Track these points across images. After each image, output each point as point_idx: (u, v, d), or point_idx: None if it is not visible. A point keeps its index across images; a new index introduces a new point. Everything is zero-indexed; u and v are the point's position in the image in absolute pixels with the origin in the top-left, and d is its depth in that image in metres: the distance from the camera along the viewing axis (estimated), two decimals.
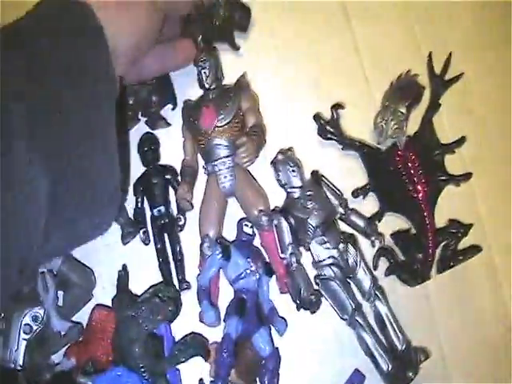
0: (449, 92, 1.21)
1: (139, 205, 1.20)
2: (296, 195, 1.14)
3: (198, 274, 1.12)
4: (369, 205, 1.19)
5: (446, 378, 1.14)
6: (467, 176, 1.18)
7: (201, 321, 1.10)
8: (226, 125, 1.14)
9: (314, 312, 1.12)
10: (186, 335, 1.11)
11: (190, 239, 1.18)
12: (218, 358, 1.06)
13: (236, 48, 1.23)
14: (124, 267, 1.14)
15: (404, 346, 1.13)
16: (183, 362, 1.07)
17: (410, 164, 1.17)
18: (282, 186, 1.16)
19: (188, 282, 1.16)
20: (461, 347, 1.15)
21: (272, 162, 1.15)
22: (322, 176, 1.16)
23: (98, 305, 1.15)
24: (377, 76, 1.23)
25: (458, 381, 1.13)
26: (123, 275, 1.12)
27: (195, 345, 1.08)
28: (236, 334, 1.07)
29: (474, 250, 1.18)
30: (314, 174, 1.16)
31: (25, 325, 1.10)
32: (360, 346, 1.14)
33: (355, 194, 1.18)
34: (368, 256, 1.16)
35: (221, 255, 1.09)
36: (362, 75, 1.25)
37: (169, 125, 1.22)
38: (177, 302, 1.10)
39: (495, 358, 1.15)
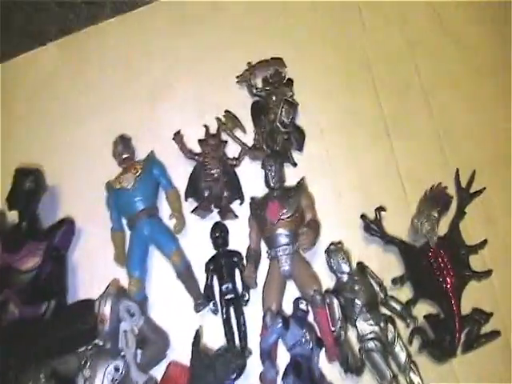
0: (473, 202, 1.44)
1: (209, 281, 1.41)
2: (345, 279, 1.37)
3: (261, 340, 1.31)
4: (405, 291, 1.40)
5: None
6: (488, 273, 1.40)
7: (261, 380, 1.29)
8: (288, 218, 1.39)
9: (359, 375, 1.31)
10: None
11: (252, 313, 1.39)
12: None
13: (294, 165, 1.50)
14: (199, 328, 1.34)
15: None
16: None
17: (440, 259, 1.38)
18: (333, 271, 1.38)
19: (249, 349, 1.36)
20: None
21: (326, 251, 1.39)
22: (366, 266, 1.38)
23: (172, 361, 1.35)
24: (411, 185, 1.48)
25: None
26: (199, 334, 1.32)
27: None
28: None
29: (495, 334, 1.37)
30: (360, 264, 1.39)
31: (108, 374, 1.28)
32: None
33: (394, 282, 1.40)
34: (403, 335, 1.36)
35: (281, 325, 1.30)
36: (400, 184, 1.49)
37: (236, 217, 1.46)
38: (244, 358, 1.29)
39: None
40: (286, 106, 1.50)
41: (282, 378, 1.31)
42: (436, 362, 1.37)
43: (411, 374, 1.33)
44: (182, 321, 1.41)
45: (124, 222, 1.52)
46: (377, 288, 1.37)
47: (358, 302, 1.35)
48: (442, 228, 1.43)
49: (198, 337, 1.34)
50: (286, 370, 1.31)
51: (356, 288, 1.35)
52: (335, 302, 1.35)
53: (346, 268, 1.37)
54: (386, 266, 1.43)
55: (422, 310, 1.40)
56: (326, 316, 1.35)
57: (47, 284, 1.43)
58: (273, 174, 1.44)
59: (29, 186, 1.48)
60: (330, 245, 1.39)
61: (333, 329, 1.34)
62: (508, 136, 1.53)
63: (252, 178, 1.52)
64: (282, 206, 1.40)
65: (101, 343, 1.34)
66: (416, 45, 1.62)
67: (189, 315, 1.42)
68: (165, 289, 1.47)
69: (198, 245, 1.47)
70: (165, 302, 1.45)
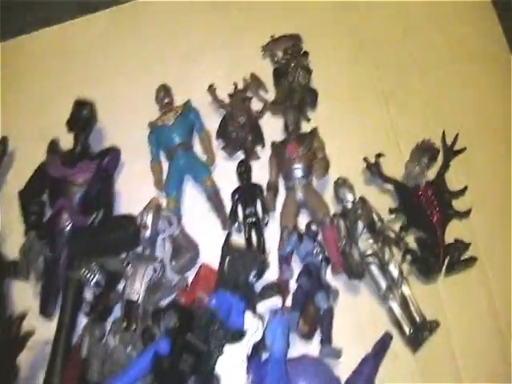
0: (456, 159, 1.75)
1: (234, 207, 1.68)
2: (349, 206, 1.64)
3: (279, 250, 1.60)
4: (398, 224, 1.68)
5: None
6: (467, 213, 1.68)
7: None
8: (303, 154, 1.68)
9: (360, 280, 1.59)
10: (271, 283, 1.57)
11: (270, 234, 1.67)
12: (294, 298, 1.53)
13: (308, 120, 1.81)
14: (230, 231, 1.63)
15: (421, 319, 1.56)
16: (270, 298, 1.52)
17: (428, 198, 1.66)
18: (340, 200, 1.66)
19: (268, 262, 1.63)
20: (463, 319, 1.61)
21: (334, 183, 1.67)
22: (367, 200, 1.66)
23: (204, 263, 1.61)
24: (405, 143, 1.78)
25: None
26: (230, 235, 1.63)
27: (276, 289, 1.54)
28: (305, 287, 1.53)
29: (473, 260, 1.63)
30: (361, 197, 1.67)
31: (147, 274, 1.53)
32: (389, 317, 1.59)
33: (391, 211, 1.67)
34: (397, 257, 1.62)
35: (296, 238, 1.58)
36: (396, 141, 1.81)
37: (258, 158, 1.76)
38: (265, 259, 1.59)
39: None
40: (303, 71, 1.80)
41: (296, 280, 1.57)
42: (423, 281, 1.64)
43: (403, 287, 1.59)
44: (210, 237, 1.67)
45: (162, 156, 1.79)
46: (375, 217, 1.63)
47: (360, 224, 1.61)
48: (430, 177, 1.70)
49: (228, 237, 1.60)
50: (299, 274, 1.57)
51: (359, 212, 1.62)
52: (341, 222, 1.62)
53: (350, 197, 1.64)
54: (382, 202, 1.70)
55: (411, 240, 1.67)
56: (333, 235, 1.61)
57: (96, 198, 1.68)
58: (291, 122, 1.73)
59: (85, 113, 1.75)
60: (338, 179, 1.66)
61: (339, 244, 1.60)
62: (490, 105, 1.85)
63: (272, 130, 1.81)
64: (299, 145, 1.69)
65: (140, 251, 1.60)
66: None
67: (216, 233, 1.68)
68: (196, 211, 1.73)
69: (225, 179, 1.74)
70: (196, 221, 1.70)
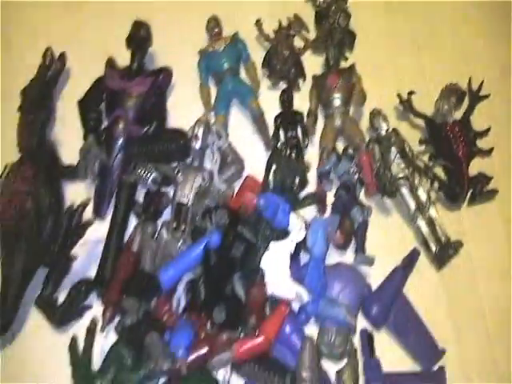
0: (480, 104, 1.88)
1: (276, 130, 1.80)
2: (383, 134, 1.78)
3: (318, 167, 1.74)
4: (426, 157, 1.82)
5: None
6: (490, 151, 1.82)
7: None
8: (342, 86, 1.82)
9: (392, 198, 1.73)
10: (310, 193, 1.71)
11: (310, 156, 1.80)
12: (333, 206, 1.70)
13: (346, 59, 1.95)
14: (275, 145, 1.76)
15: (446, 239, 1.70)
16: (310, 205, 1.67)
17: (455, 134, 1.80)
18: (375, 128, 1.79)
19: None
20: (482, 245, 1.78)
21: (370, 113, 1.80)
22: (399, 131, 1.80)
23: (249, 175, 1.73)
24: (435, 85, 1.92)
25: None
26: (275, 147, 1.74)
27: (316, 198, 1.68)
28: (343, 199, 1.68)
29: (494, 192, 1.78)
30: (394, 129, 1.80)
31: (196, 182, 1.66)
32: (416, 235, 1.73)
33: (420, 142, 1.81)
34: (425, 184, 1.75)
35: (335, 158, 1.71)
36: (426, 84, 1.95)
37: (299, 89, 1.89)
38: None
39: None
40: (343, 14, 1.93)
41: (334, 195, 1.71)
42: (448, 207, 1.79)
43: (430, 210, 1.72)
44: (254, 158, 1.80)
45: (210, 82, 1.91)
46: (406, 147, 1.77)
47: (393, 150, 1.75)
48: (456, 117, 1.84)
49: (275, 148, 1.76)
50: (337, 188, 1.72)
51: (392, 140, 1.75)
52: (376, 147, 1.76)
53: (385, 126, 1.77)
54: (413, 136, 1.84)
55: (439, 172, 1.80)
56: (368, 159, 1.74)
57: (150, 111, 1.81)
58: (332, 56, 1.87)
59: (142, 33, 1.87)
60: (374, 109, 1.80)
61: (374, 166, 1.74)
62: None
63: (312, 67, 1.95)
64: (339, 77, 1.83)
65: (190, 162, 1.73)
66: None
67: (259, 154, 1.83)
68: (242, 132, 1.87)
69: (268, 107, 1.87)
70: (241, 141, 1.82)
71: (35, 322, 1.60)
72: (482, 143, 1.82)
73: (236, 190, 1.70)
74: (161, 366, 1.41)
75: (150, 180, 1.63)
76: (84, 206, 1.61)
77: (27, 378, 1.55)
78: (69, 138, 1.82)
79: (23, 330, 1.60)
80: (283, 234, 1.58)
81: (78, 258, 1.64)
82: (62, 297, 1.58)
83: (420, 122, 1.87)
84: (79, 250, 1.63)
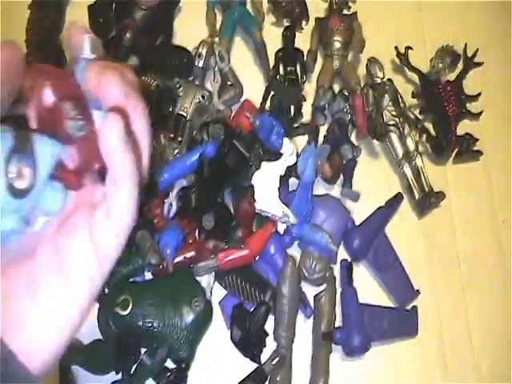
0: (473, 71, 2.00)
1: (277, 64, 1.90)
2: (378, 81, 1.89)
3: (313, 104, 1.84)
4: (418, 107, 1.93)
5: None
6: (479, 114, 1.93)
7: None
8: (343, 30, 1.93)
9: (382, 140, 1.83)
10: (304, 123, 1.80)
11: (306, 92, 1.89)
12: (325, 138, 1.79)
13: (349, 8, 2.05)
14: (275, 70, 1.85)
15: (429, 189, 1.81)
16: (302, 135, 1.78)
17: (447, 92, 1.91)
18: (370, 75, 1.90)
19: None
20: (464, 203, 1.91)
21: (368, 59, 1.91)
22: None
23: (247, 99, 1.82)
24: (432, 46, 2.02)
25: None
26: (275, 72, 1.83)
27: (309, 128, 1.79)
28: (335, 133, 1.78)
29: (479, 153, 1.90)
30: (389, 79, 1.90)
31: (195, 99, 1.75)
32: (401, 181, 1.85)
33: (413, 95, 1.93)
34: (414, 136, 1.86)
35: (331, 94, 1.82)
36: (422, 40, 2.07)
37: (302, 29, 2.00)
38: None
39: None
40: None
41: (327, 130, 1.82)
42: (434, 160, 1.90)
43: (417, 160, 1.83)
44: (253, 86, 1.89)
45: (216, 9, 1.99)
46: (399, 97, 1.88)
47: (386, 97, 1.85)
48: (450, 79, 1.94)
49: (275, 72, 1.85)
50: (330, 123, 1.82)
51: (386, 88, 1.86)
52: (370, 91, 1.85)
53: (380, 74, 1.87)
54: (406, 90, 1.95)
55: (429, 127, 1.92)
56: (361, 101, 1.84)
57: (158, 24, 1.88)
58: (335, 2, 1.98)
59: None
60: (371, 57, 1.90)
61: (366, 109, 1.84)
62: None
63: (315, 12, 2.05)
64: (340, 21, 1.93)
65: (191, 80, 1.80)
66: None
67: (258, 83, 1.91)
68: (243, 60, 1.96)
69: (270, 42, 1.96)
70: (242, 69, 1.91)
71: None
72: (471, 107, 1.93)
73: (234, 113, 1.77)
74: (149, 260, 1.46)
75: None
76: None
77: None
78: None
79: None
80: (275, 155, 1.66)
81: None
82: None
83: (414, 76, 1.97)
84: None
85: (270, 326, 1.57)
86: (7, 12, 1.90)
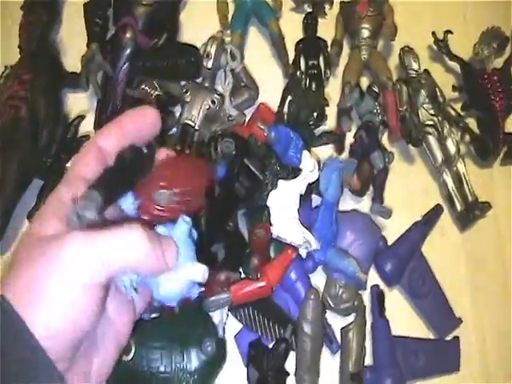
0: None
1: (297, 57, 1.73)
2: (413, 75, 1.71)
3: (339, 104, 1.67)
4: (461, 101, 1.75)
5: None
6: None
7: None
8: (372, 16, 1.74)
9: (418, 146, 1.67)
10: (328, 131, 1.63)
11: (331, 89, 1.73)
12: (352, 149, 1.63)
13: None
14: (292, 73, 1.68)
15: (473, 198, 1.64)
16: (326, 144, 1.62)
17: (494, 83, 1.72)
18: (405, 67, 1.72)
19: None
20: None
21: (401, 49, 1.73)
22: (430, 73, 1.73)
23: (262, 102, 1.66)
24: (475, 26, 1.83)
25: None
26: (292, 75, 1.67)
27: (333, 137, 1.62)
28: (363, 141, 1.61)
29: None
30: (426, 70, 1.73)
31: (205, 104, 1.58)
32: (440, 190, 1.68)
33: (454, 88, 1.74)
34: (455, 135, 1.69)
35: (358, 94, 1.64)
36: (464, 23, 1.87)
37: (325, 14, 1.82)
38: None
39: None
40: None
41: (355, 135, 1.65)
42: (479, 164, 1.72)
43: (458, 165, 1.66)
44: (270, 84, 1.74)
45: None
46: (437, 92, 1.70)
47: (422, 92, 1.67)
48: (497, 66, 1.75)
49: (293, 76, 1.68)
50: (358, 128, 1.65)
51: (422, 82, 1.68)
52: (404, 88, 1.67)
53: (415, 66, 1.70)
54: (446, 80, 1.77)
55: (472, 124, 1.74)
56: (393, 99, 1.67)
57: (161, 22, 1.71)
58: None
59: None
60: (405, 46, 1.72)
61: (400, 109, 1.66)
62: None
63: None
64: (369, 5, 1.74)
65: (200, 82, 1.65)
66: None
67: (277, 80, 1.76)
68: (259, 55, 1.79)
69: (290, 31, 1.79)
70: (257, 65, 1.75)
71: None
72: None
73: (248, 119, 1.63)
74: None
75: (152, 97, 1.54)
76: (81, 118, 1.58)
77: None
78: (74, 44, 1.73)
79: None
80: (294, 172, 1.50)
81: None
82: None
83: (455, 66, 1.79)
84: None
85: (291, 363, 1.44)
86: (7, 12, 1.80)
